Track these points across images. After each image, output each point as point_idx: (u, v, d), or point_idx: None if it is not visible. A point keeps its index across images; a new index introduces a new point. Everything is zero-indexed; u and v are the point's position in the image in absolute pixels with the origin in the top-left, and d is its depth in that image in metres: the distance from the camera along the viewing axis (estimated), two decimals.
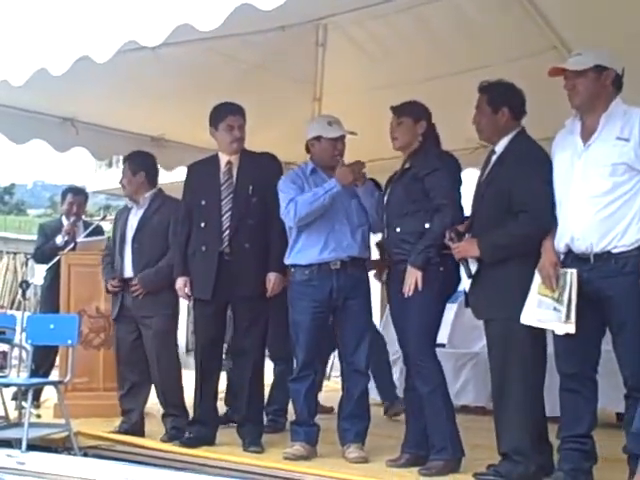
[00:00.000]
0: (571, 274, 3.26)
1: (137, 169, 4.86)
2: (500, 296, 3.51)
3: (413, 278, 3.74)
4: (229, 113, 4.37)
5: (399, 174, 3.98)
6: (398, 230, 3.87)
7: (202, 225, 4.35)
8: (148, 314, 4.63)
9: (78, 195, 6.23)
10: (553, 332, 3.34)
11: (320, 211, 4.06)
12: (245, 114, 4.42)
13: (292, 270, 4.20)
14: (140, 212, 4.81)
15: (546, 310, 3.31)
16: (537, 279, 3.38)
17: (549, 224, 3.40)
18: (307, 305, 4.11)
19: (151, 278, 4.62)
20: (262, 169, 4.39)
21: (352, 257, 4.11)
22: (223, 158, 4.43)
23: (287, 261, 4.21)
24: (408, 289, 3.75)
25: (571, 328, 3.24)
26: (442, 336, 5.42)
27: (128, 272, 4.74)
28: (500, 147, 3.65)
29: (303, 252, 4.12)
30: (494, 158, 3.67)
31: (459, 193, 3.87)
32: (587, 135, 3.31)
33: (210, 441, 4.35)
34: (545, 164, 3.46)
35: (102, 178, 12.29)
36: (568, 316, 3.24)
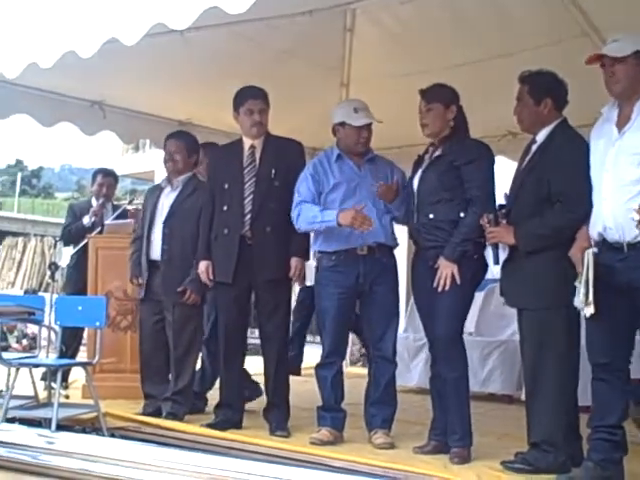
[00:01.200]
0: (587, 254, 3.21)
1: (193, 151, 4.84)
2: (534, 285, 3.49)
3: (448, 272, 3.71)
4: (249, 97, 4.36)
5: (431, 160, 3.92)
6: (431, 217, 3.82)
7: (224, 208, 4.36)
8: (173, 300, 4.62)
9: (108, 176, 6.25)
10: (585, 320, 3.29)
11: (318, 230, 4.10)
12: (268, 98, 4.39)
13: (319, 256, 4.20)
14: (173, 195, 4.78)
15: (577, 296, 3.26)
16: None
17: (584, 215, 3.36)
18: (333, 291, 4.10)
19: (197, 285, 4.59)
20: (285, 154, 4.38)
21: (379, 243, 4.10)
22: (247, 142, 4.43)
23: (314, 247, 4.20)
24: (443, 283, 3.72)
25: (590, 309, 3.18)
26: (469, 324, 5.41)
27: (155, 254, 4.72)
28: (541, 136, 3.60)
29: (330, 238, 4.10)
30: (534, 147, 3.62)
31: (493, 185, 3.83)
32: (623, 123, 3.25)
33: (237, 424, 4.36)
34: (585, 155, 3.40)
35: (129, 162, 12.35)
36: (587, 296, 3.18)
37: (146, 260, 4.75)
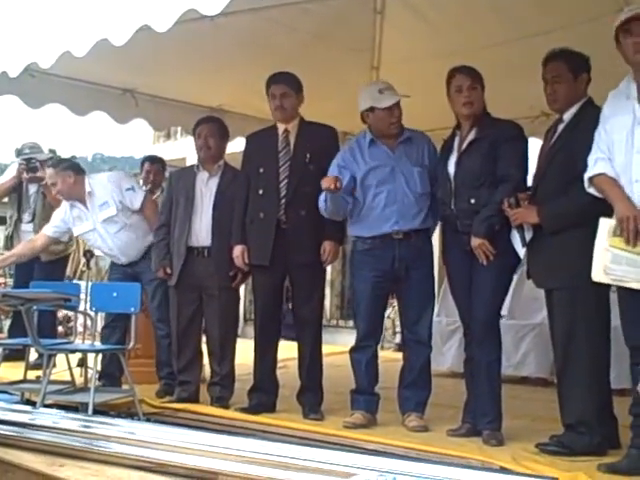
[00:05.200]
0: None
1: (224, 136, 4.82)
2: (562, 264, 3.45)
3: (482, 249, 3.68)
4: (272, 82, 4.40)
5: (468, 144, 3.84)
6: (473, 202, 3.74)
7: (260, 192, 4.37)
8: (217, 284, 4.60)
9: (155, 164, 6.30)
10: (622, 301, 3.20)
11: (336, 208, 4.06)
12: (293, 83, 4.40)
13: (354, 239, 4.19)
14: (214, 182, 4.68)
15: (626, 267, 3.08)
16: (605, 229, 3.13)
17: None
18: (368, 274, 4.10)
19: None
20: (319, 138, 4.39)
21: (414, 229, 4.06)
22: (280, 127, 4.44)
23: (350, 232, 4.19)
24: (484, 257, 3.68)
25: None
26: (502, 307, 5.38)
27: (196, 240, 4.64)
28: (568, 115, 3.56)
29: (366, 224, 4.10)
30: (562, 127, 3.57)
31: (527, 165, 3.79)
32: None
33: (270, 408, 4.39)
34: None
35: (160, 150, 12.38)
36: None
37: (184, 246, 4.66)
